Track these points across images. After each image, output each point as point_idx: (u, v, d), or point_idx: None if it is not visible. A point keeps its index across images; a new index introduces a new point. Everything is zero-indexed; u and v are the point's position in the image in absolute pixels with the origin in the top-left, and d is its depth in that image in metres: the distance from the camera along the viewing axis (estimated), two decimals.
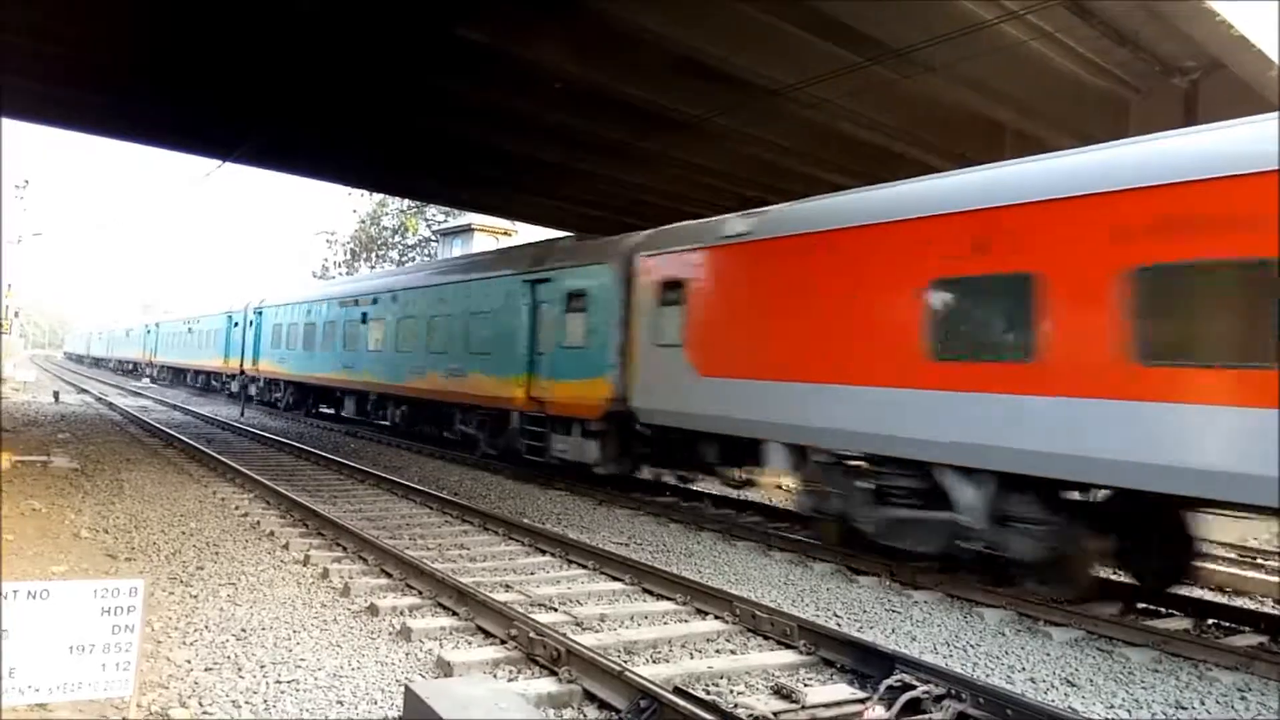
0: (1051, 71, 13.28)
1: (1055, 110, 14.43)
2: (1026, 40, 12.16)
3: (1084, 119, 14.33)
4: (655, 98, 14.89)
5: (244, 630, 6.21)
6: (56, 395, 30.18)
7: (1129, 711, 5.60)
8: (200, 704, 4.91)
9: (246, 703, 4.97)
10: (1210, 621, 7.76)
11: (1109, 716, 5.47)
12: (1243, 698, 5.94)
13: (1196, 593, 8.75)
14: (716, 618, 7.08)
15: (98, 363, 77.63)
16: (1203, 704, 5.80)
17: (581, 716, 5.13)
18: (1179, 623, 7.63)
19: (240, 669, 5.48)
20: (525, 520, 10.71)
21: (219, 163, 20.20)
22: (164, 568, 7.87)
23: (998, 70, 13.16)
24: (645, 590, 7.91)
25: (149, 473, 13.43)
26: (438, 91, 15.37)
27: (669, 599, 7.59)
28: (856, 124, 15.70)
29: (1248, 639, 7.15)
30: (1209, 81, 13.32)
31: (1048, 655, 6.67)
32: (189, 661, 5.54)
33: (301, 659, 5.70)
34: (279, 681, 5.29)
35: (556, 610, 7.07)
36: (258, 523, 10.14)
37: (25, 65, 15.01)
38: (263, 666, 5.53)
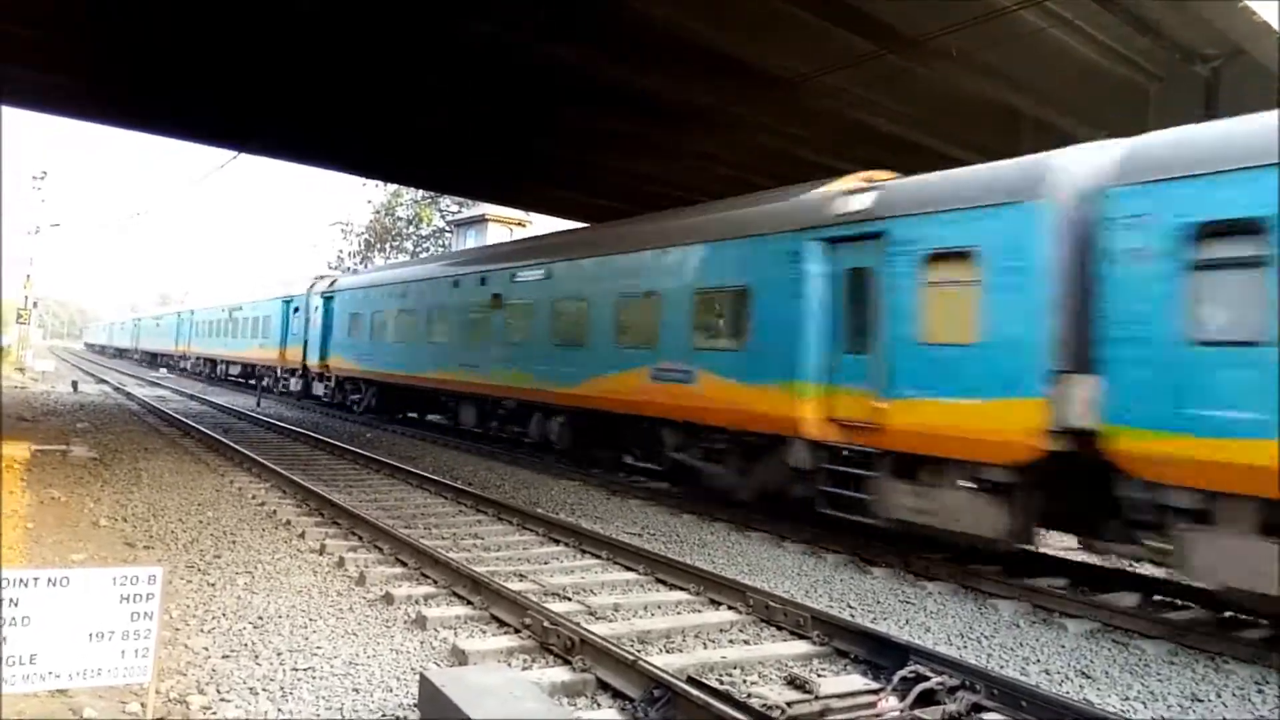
0: (1071, 59, 13.12)
1: (1074, 98, 14.28)
2: (1046, 28, 12.02)
3: (1103, 107, 14.18)
4: (669, 88, 14.83)
5: (261, 618, 6.26)
6: (75, 385, 30.46)
7: (1144, 704, 5.57)
8: (218, 690, 4.96)
9: (263, 690, 5.01)
10: (1227, 614, 7.69)
11: (1124, 709, 5.45)
12: (1259, 690, 5.90)
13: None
14: (730, 608, 7.09)
15: (154, 360, 53.22)
16: (1219, 696, 5.76)
17: (595, 705, 5.15)
18: (1196, 614, 7.57)
19: (257, 656, 5.53)
20: (539, 510, 10.74)
21: (234, 154, 20.28)
22: (182, 556, 7.94)
23: (1016, 58, 13.02)
24: (659, 580, 7.93)
25: (167, 462, 13.55)
26: (450, 85, 15.37)
27: (682, 589, 7.60)
28: (872, 113, 15.59)
29: (1263, 631, 7.10)
30: (1230, 68, 13.14)
31: (1063, 647, 6.64)
32: (207, 649, 5.60)
33: (318, 647, 5.74)
34: (295, 669, 5.34)
35: (570, 600, 7.09)
36: (274, 512, 10.22)
37: (33, 55, 15.07)
38: (279, 654, 5.58)
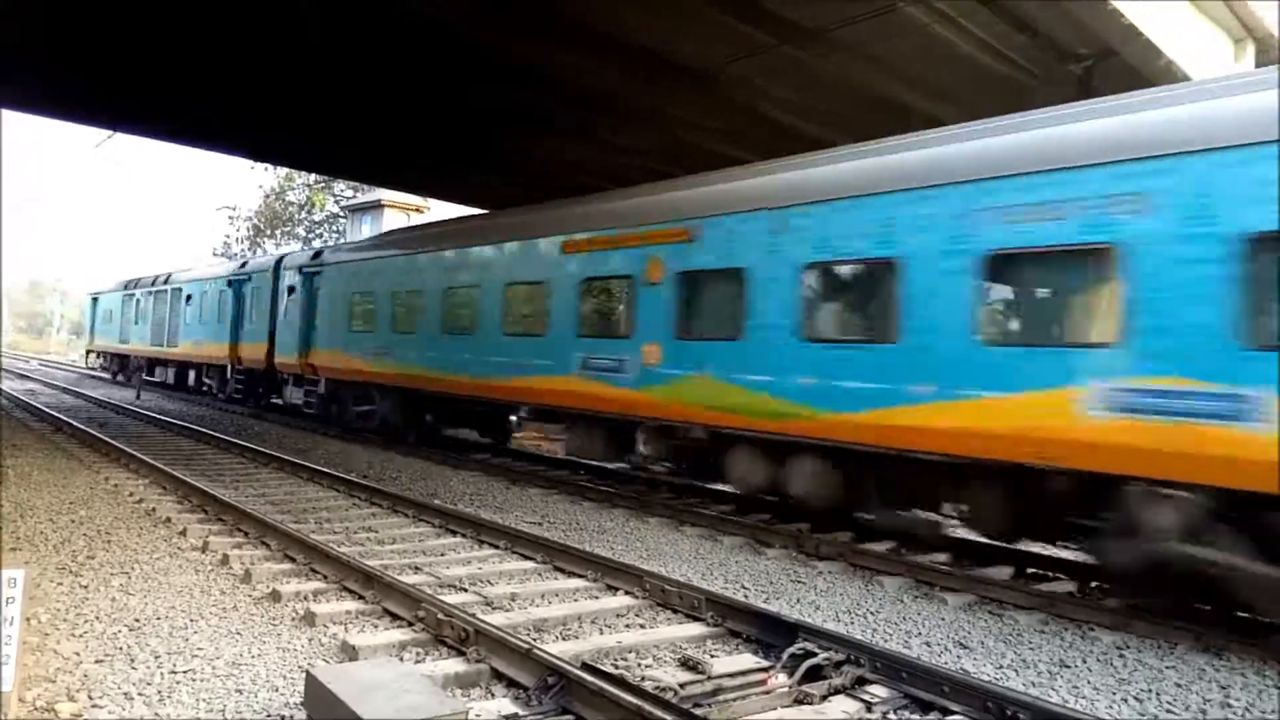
0: (956, 56, 13.59)
1: (961, 94, 14.80)
2: (930, 24, 12.43)
3: (987, 103, 14.73)
4: (575, 74, 14.72)
5: (138, 620, 5.99)
6: None
7: (1016, 671, 5.88)
8: (89, 696, 4.72)
9: (139, 694, 4.80)
10: (1094, 584, 8.19)
11: (998, 676, 5.73)
12: (1121, 655, 6.30)
13: (1082, 556, 9.19)
14: (627, 593, 7.15)
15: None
16: (1084, 662, 6.13)
17: (490, 695, 5.12)
18: (1065, 585, 8.03)
19: (133, 660, 5.28)
20: (436, 501, 10.59)
21: (108, 133, 19.18)
22: (52, 557, 7.52)
23: (906, 53, 13.43)
24: (557, 568, 7.93)
25: (35, 459, 12.78)
26: (349, 62, 14.86)
27: (580, 576, 7.63)
28: (774, 105, 15.82)
29: (1120, 601, 7.57)
30: (1102, 68, 13.84)
31: (943, 620, 6.94)
32: (78, 654, 5.32)
33: (199, 648, 5.53)
34: (174, 671, 5.13)
35: (466, 591, 7.03)
36: (153, 509, 9.77)
37: None
38: (157, 657, 5.34)
